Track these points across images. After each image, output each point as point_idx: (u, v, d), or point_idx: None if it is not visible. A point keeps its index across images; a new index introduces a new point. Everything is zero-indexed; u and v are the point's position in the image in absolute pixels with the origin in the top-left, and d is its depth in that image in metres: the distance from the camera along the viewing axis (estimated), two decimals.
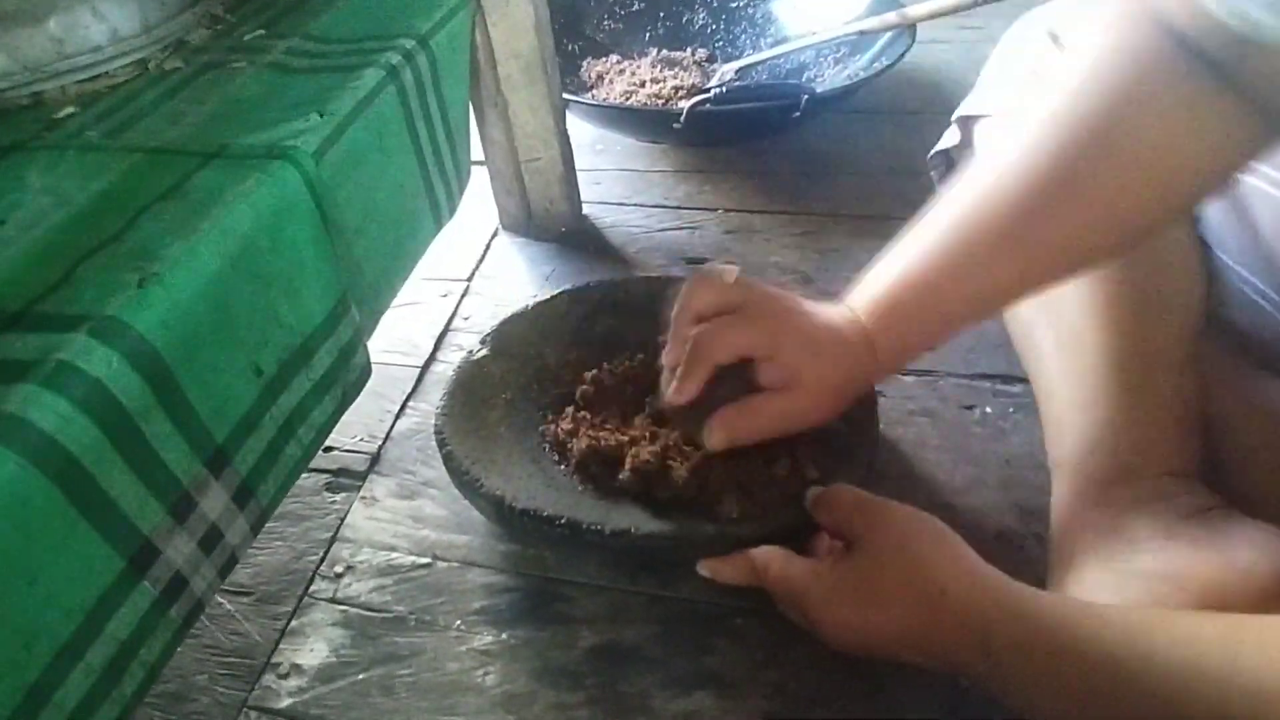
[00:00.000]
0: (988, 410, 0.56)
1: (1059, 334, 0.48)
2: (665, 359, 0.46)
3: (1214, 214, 0.48)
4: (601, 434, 0.51)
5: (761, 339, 0.42)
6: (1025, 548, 0.48)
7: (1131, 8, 0.37)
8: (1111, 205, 0.38)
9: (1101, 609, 0.34)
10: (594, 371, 0.55)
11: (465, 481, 0.48)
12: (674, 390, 0.44)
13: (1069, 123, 0.38)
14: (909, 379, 0.59)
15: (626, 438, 0.50)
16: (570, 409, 0.53)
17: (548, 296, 0.59)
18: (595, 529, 0.44)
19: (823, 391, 0.43)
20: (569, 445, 0.51)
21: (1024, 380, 0.55)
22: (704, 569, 0.45)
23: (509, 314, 0.58)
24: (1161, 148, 0.37)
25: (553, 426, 0.53)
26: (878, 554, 0.38)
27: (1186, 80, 0.36)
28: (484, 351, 0.56)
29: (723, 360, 0.43)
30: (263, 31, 0.51)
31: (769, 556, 0.42)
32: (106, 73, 0.46)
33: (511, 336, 0.57)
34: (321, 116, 0.42)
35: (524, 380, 0.56)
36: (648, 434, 0.50)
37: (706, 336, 0.43)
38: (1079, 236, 0.40)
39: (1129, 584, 0.39)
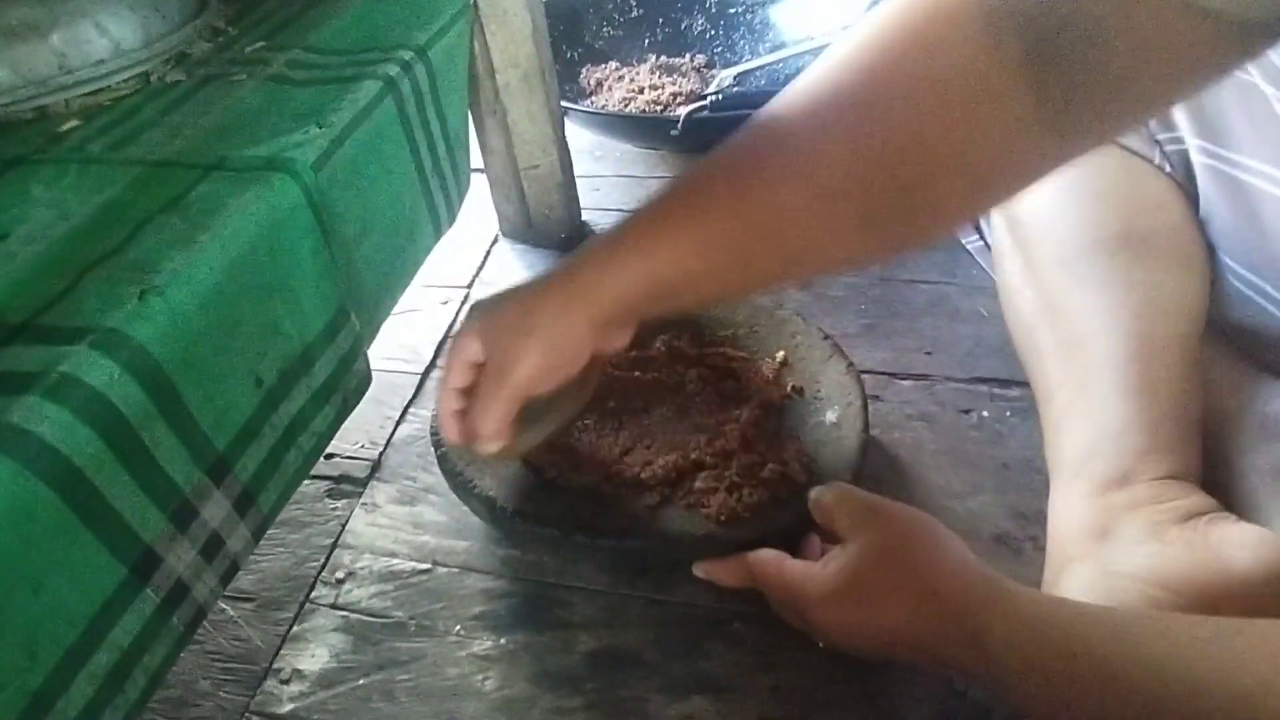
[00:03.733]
0: (985, 414, 0.56)
1: (1060, 337, 0.48)
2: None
3: (1220, 217, 0.48)
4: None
5: (475, 343, 0.40)
6: (1023, 551, 0.48)
7: None
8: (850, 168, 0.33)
9: (1096, 609, 0.35)
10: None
11: (459, 483, 0.49)
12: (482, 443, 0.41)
13: (838, 76, 0.34)
14: (906, 383, 0.59)
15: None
16: None
17: None
18: (586, 530, 0.45)
19: (534, 363, 0.39)
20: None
21: (1022, 384, 0.55)
22: (700, 571, 0.46)
23: None
24: (938, 99, 0.32)
25: None
26: (872, 554, 0.38)
27: (980, 60, 0.31)
28: None
29: (456, 380, 0.41)
30: (263, 44, 0.51)
31: (764, 558, 0.43)
32: (109, 86, 0.47)
33: None
34: (320, 128, 0.42)
35: None
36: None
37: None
38: (808, 201, 0.34)
39: (1124, 588, 0.39)
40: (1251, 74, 0.43)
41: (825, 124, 0.34)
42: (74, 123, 0.44)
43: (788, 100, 0.35)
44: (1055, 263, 0.49)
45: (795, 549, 0.45)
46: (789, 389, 0.55)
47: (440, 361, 0.66)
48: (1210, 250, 0.49)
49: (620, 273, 0.38)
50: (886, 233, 0.36)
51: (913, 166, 0.33)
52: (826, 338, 0.55)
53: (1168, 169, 0.49)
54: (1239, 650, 0.29)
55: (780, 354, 0.57)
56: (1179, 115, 0.48)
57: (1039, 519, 0.47)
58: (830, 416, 0.52)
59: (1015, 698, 0.34)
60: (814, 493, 0.43)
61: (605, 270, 0.38)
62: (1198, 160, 0.48)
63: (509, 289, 0.42)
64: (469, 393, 0.42)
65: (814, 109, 0.34)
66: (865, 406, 0.50)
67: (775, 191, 0.35)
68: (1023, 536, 0.49)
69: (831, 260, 0.39)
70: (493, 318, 0.41)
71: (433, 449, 0.51)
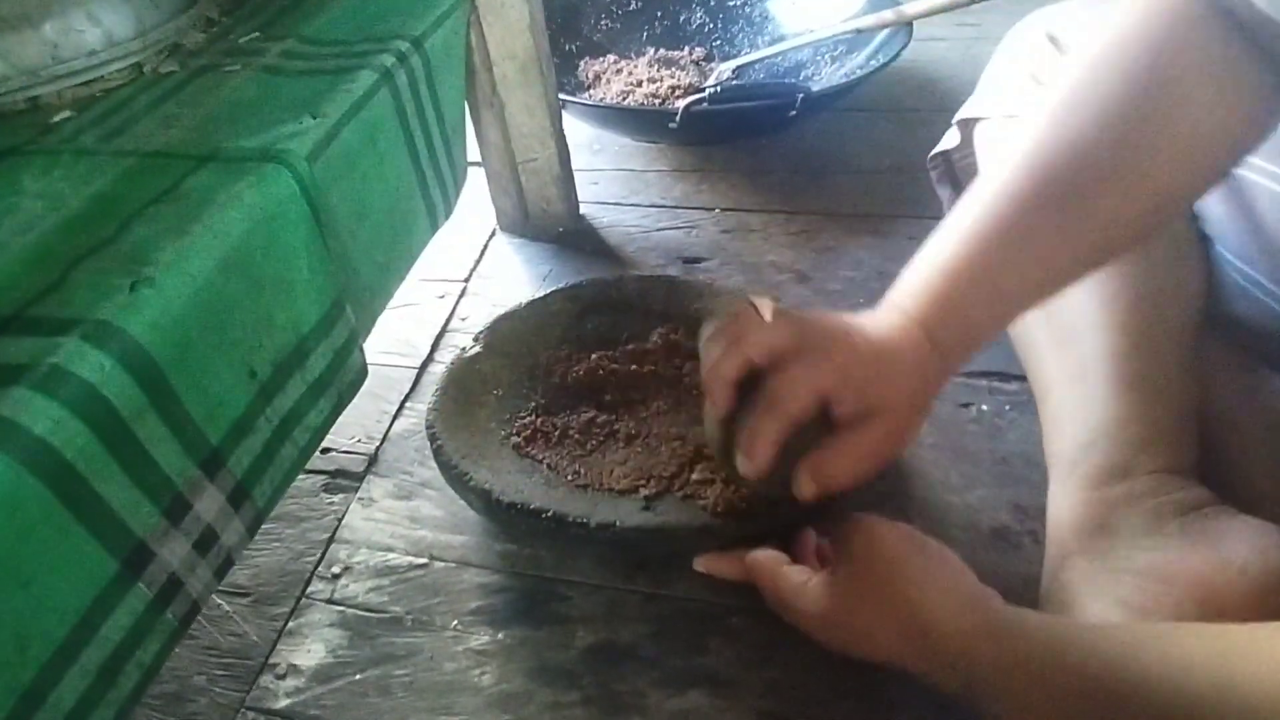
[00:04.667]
0: (984, 408, 0.56)
1: (1057, 330, 0.48)
2: (709, 410, 0.41)
3: (1214, 208, 0.48)
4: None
5: (831, 377, 0.37)
6: (1021, 545, 0.48)
7: None
8: (1157, 173, 0.37)
9: (1091, 629, 0.34)
10: (592, 358, 0.56)
11: (454, 475, 0.49)
12: (746, 459, 0.38)
13: (1107, 90, 0.37)
14: None
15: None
16: (531, 418, 0.54)
17: (541, 295, 0.60)
18: (581, 522, 0.45)
19: (904, 411, 0.39)
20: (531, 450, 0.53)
21: (1020, 378, 0.55)
22: (700, 566, 0.46)
23: (502, 312, 0.59)
24: (1200, 113, 0.36)
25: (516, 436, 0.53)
26: (865, 580, 0.38)
27: (1219, 43, 0.35)
28: (477, 349, 0.57)
29: (800, 415, 0.37)
30: (257, 34, 0.51)
31: (760, 563, 0.43)
32: (101, 77, 0.46)
33: (504, 334, 0.58)
34: (315, 119, 0.42)
35: (515, 377, 0.56)
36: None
37: (776, 391, 0.38)
38: (1129, 206, 0.38)
39: (1123, 581, 0.39)
40: None
41: (1131, 146, 0.37)
42: (66, 113, 0.44)
43: (1068, 132, 0.38)
44: None
45: (792, 540, 0.45)
46: None
47: (443, 353, 0.66)
48: (1206, 243, 0.49)
49: (975, 333, 0.39)
50: (1180, 209, 0.41)
51: (1200, 166, 0.38)
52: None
53: None
54: (1240, 659, 0.28)
55: None
56: None
57: (1038, 513, 0.47)
58: None
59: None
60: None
61: (967, 337, 0.39)
62: None
63: (842, 332, 0.39)
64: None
65: (1111, 136, 0.37)
66: None
67: (1105, 218, 0.38)
68: (1022, 530, 0.49)
69: (1120, 254, 0.42)
70: (857, 371, 0.38)
71: (428, 442, 0.51)
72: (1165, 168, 0.37)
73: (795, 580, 0.41)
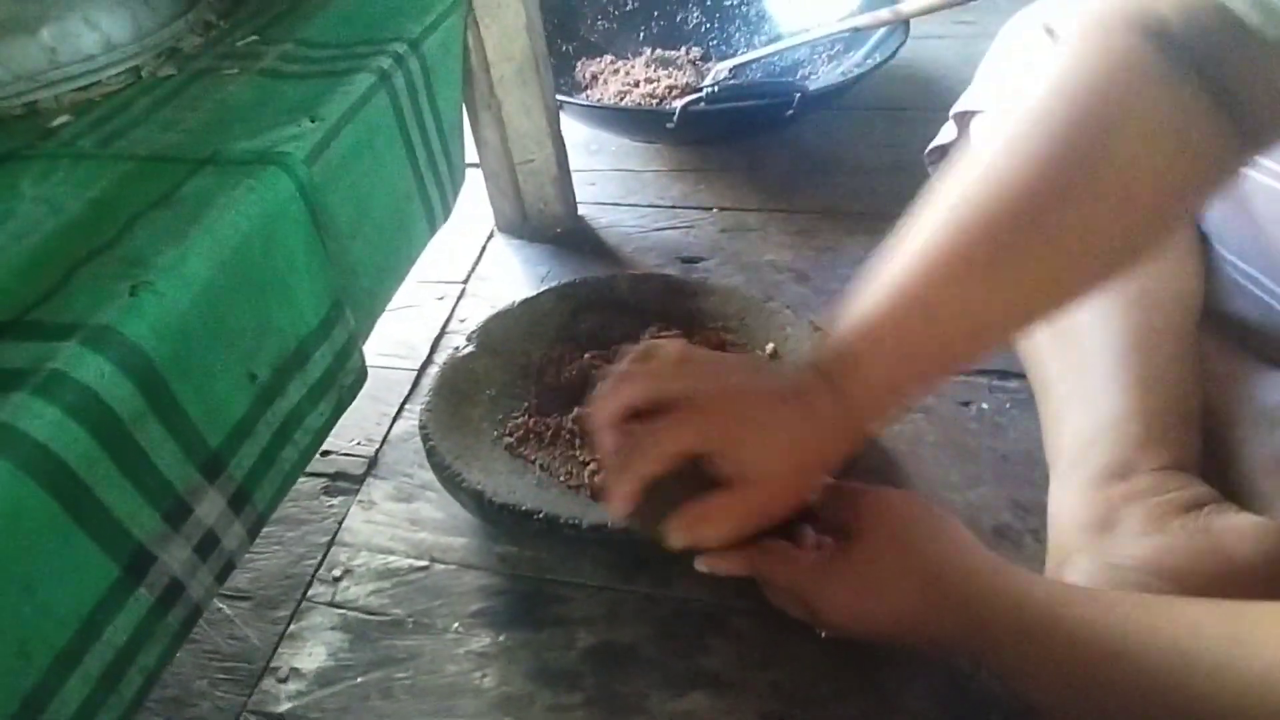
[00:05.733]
0: (984, 406, 0.56)
1: (1057, 329, 0.48)
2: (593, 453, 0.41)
3: (1213, 208, 0.48)
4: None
5: (704, 436, 0.37)
6: (1023, 544, 0.48)
7: (1107, 7, 0.35)
8: (1100, 216, 0.35)
9: (1099, 593, 0.35)
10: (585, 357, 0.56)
11: (448, 476, 0.49)
12: (608, 502, 0.39)
13: (1044, 138, 0.35)
14: None
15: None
16: (524, 418, 0.54)
17: (533, 294, 0.60)
18: (573, 523, 0.45)
19: (788, 479, 0.38)
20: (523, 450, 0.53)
21: (1020, 376, 0.55)
22: (702, 565, 0.45)
23: (495, 311, 0.59)
24: (1142, 161, 0.34)
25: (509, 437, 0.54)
26: (876, 542, 0.38)
27: (1169, 82, 0.34)
28: (470, 348, 0.57)
29: (658, 471, 0.37)
30: (255, 38, 0.51)
31: (766, 549, 0.42)
32: (99, 81, 0.46)
33: (498, 334, 0.58)
34: (313, 122, 0.42)
35: (508, 377, 0.56)
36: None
37: (639, 444, 0.37)
38: (1061, 257, 0.35)
39: (1127, 579, 0.39)
40: None
41: (1064, 190, 0.34)
42: (64, 118, 0.44)
43: (1000, 177, 0.35)
44: None
45: (792, 535, 0.45)
46: None
47: (442, 355, 0.66)
48: (1204, 241, 0.49)
49: (892, 376, 0.36)
50: (1133, 261, 0.37)
51: (1148, 208, 0.35)
52: (817, 330, 0.55)
53: None
54: (1250, 629, 0.29)
55: (770, 346, 0.57)
56: None
57: (1039, 511, 0.47)
58: None
59: (1021, 682, 0.34)
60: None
61: (873, 379, 0.36)
62: None
63: (731, 379, 0.38)
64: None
65: (1043, 177, 0.35)
66: None
67: (1049, 254, 0.35)
68: (1023, 529, 0.49)
69: (1064, 307, 0.38)
70: (737, 426, 0.37)
71: (422, 443, 0.51)
72: (1105, 217, 0.34)
73: (805, 556, 0.41)
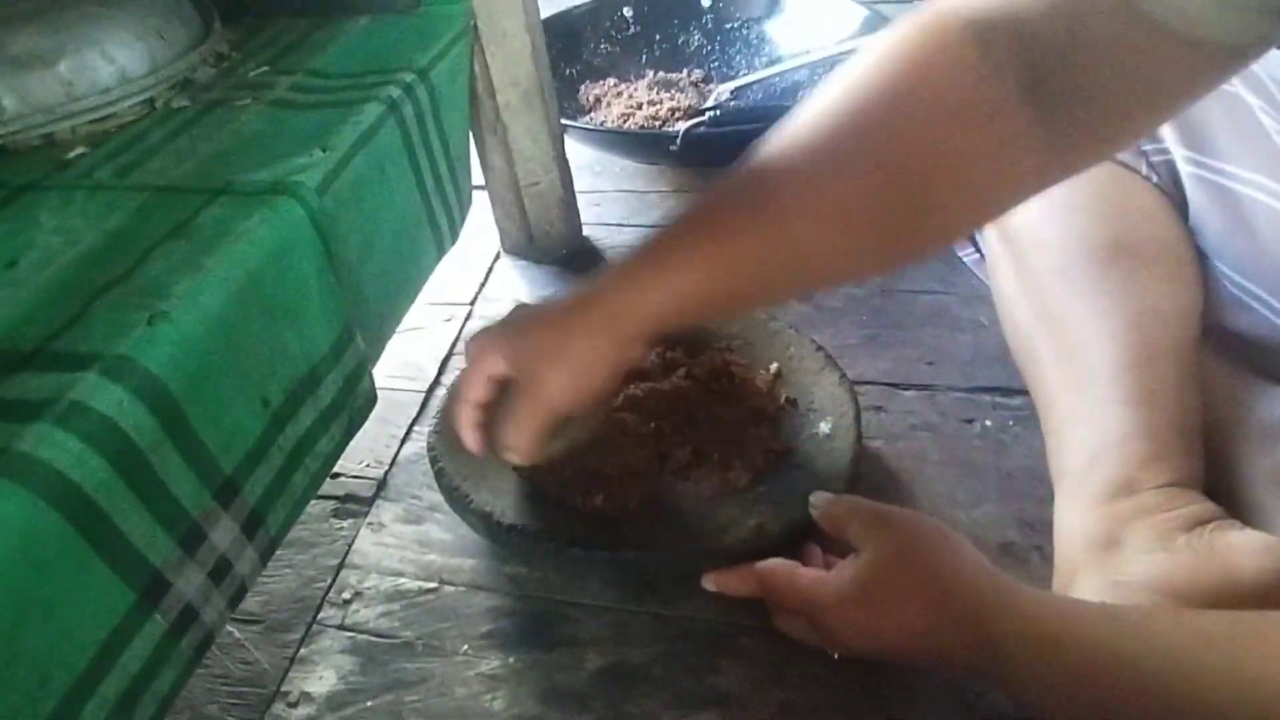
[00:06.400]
0: (988, 423, 0.56)
1: (1058, 346, 0.48)
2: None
3: (1211, 224, 0.48)
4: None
5: (506, 359, 0.42)
6: (1029, 561, 0.48)
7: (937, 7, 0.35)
8: (878, 186, 0.35)
9: (1107, 606, 0.35)
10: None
11: (456, 498, 0.49)
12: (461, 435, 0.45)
13: (841, 99, 0.35)
14: (908, 393, 0.59)
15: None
16: None
17: None
18: (580, 543, 0.45)
19: (558, 379, 0.40)
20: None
21: (1024, 393, 0.55)
22: (710, 584, 0.46)
23: None
24: (942, 133, 0.34)
25: None
26: (885, 560, 0.39)
27: (981, 74, 0.33)
28: None
29: (481, 396, 0.43)
30: (267, 68, 0.52)
31: (775, 567, 0.43)
32: (115, 113, 0.47)
33: None
34: (324, 151, 0.43)
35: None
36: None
37: (461, 380, 0.44)
38: (820, 226, 0.36)
39: (1133, 596, 0.39)
40: (1235, 85, 0.44)
41: (839, 152, 0.36)
42: (81, 149, 0.45)
43: (796, 129, 0.36)
44: (1050, 273, 0.50)
45: (799, 554, 0.45)
46: (783, 401, 0.55)
47: (450, 375, 0.66)
48: (1203, 258, 0.49)
49: (646, 295, 0.39)
50: (898, 249, 0.38)
51: (923, 187, 0.35)
52: (820, 350, 0.56)
53: (1155, 179, 0.50)
54: (1255, 640, 0.29)
55: (774, 366, 0.57)
56: (1164, 127, 0.49)
57: (1044, 528, 0.47)
58: (824, 428, 0.52)
59: (1032, 699, 0.34)
60: (817, 500, 0.44)
61: (631, 293, 0.39)
62: (1185, 170, 0.49)
63: (531, 309, 0.44)
64: (487, 407, 0.43)
65: (826, 137, 0.36)
66: (858, 418, 0.51)
67: (794, 216, 0.36)
68: (1028, 546, 0.49)
69: (844, 275, 0.41)
70: (521, 339, 0.42)
71: (430, 464, 0.51)
72: (883, 187, 0.35)
73: (814, 574, 0.41)
